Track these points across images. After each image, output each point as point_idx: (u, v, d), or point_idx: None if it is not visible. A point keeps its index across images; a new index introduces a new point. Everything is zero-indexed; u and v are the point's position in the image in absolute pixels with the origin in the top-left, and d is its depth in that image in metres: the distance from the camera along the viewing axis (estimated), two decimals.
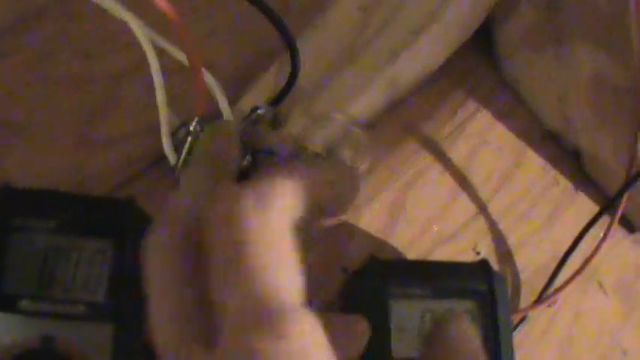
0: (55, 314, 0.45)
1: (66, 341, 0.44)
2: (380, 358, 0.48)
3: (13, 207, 0.46)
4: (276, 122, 0.52)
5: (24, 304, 0.44)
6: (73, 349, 0.44)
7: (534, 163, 0.63)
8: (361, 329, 0.40)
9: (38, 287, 0.45)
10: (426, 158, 0.60)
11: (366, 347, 0.47)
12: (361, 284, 0.51)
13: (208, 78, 0.50)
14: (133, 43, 0.52)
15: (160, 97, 0.49)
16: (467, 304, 0.51)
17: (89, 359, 0.44)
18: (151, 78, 0.50)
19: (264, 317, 0.29)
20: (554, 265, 0.58)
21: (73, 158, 0.53)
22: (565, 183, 0.63)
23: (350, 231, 0.55)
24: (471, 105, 0.63)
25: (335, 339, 0.33)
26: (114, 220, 0.47)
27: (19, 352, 0.44)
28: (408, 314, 0.50)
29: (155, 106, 0.51)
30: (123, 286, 0.45)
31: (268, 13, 0.48)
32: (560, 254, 0.59)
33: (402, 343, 0.49)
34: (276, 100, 0.51)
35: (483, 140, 0.62)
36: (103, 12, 0.53)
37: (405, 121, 0.60)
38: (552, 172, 0.63)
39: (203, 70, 0.47)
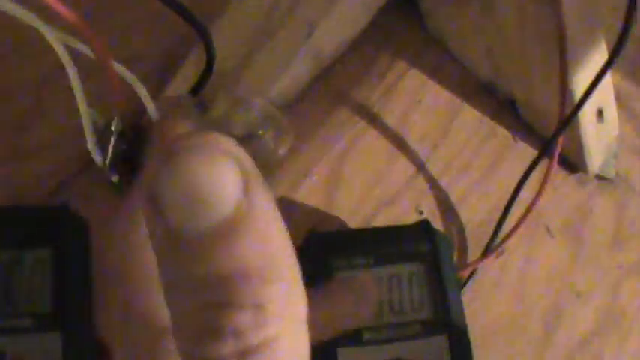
0: (3, 329, 0.44)
1: (17, 355, 0.44)
2: None
3: None
4: (200, 109, 0.51)
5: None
6: None
7: (470, 116, 0.63)
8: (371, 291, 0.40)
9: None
10: (359, 124, 0.60)
11: None
12: (304, 260, 0.51)
13: (125, 72, 0.50)
14: (49, 49, 0.52)
15: (80, 99, 0.48)
16: (412, 267, 0.51)
17: None
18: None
19: None
20: (498, 215, 0.59)
21: (3, 170, 0.52)
22: (503, 133, 0.63)
23: (289, 207, 0.55)
24: (400, 65, 0.62)
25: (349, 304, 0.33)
26: (50, 228, 0.46)
27: None
28: None
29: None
30: (66, 292, 0.45)
31: (171, 3, 0.47)
32: (504, 204, 0.59)
33: None
34: (196, 88, 0.51)
35: (416, 99, 0.62)
36: (13, 19, 0.52)
37: (334, 89, 0.60)
38: (489, 124, 0.63)
39: (116, 65, 0.47)
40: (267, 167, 0.51)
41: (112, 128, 0.47)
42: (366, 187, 0.58)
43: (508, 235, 0.58)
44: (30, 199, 0.52)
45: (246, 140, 0.50)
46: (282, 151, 0.52)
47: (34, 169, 0.53)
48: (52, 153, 0.53)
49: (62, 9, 0.42)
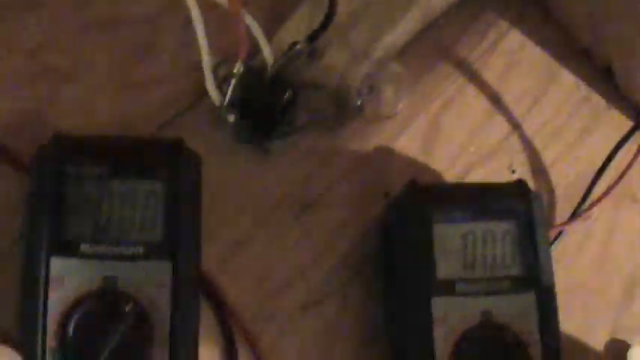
0: (115, 256, 0.47)
1: (127, 281, 0.47)
2: (424, 279, 0.50)
3: (66, 154, 0.48)
4: (314, 57, 0.53)
5: (84, 248, 0.47)
6: (134, 288, 0.47)
7: (567, 80, 0.64)
8: None
9: (96, 231, 0.47)
10: (458, 80, 0.61)
11: (412, 271, 0.49)
12: (404, 209, 0.53)
13: (247, 18, 0.51)
14: None
15: (201, 38, 0.50)
16: (505, 225, 0.52)
17: (150, 296, 0.47)
18: (186, 17, 0.51)
19: None
20: (588, 180, 0.60)
21: (117, 101, 0.54)
22: (598, 100, 0.64)
23: (389, 156, 0.57)
24: (502, 25, 0.63)
25: None
26: (164, 161, 0.49)
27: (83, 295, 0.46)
28: (451, 237, 0.51)
29: (192, 45, 0.52)
30: (178, 223, 0.47)
31: None
32: (594, 170, 0.60)
33: (446, 264, 0.51)
34: (314, 35, 0.53)
35: (515, 60, 0.63)
36: None
37: (438, 44, 0.61)
38: (585, 89, 0.64)
39: (242, 11, 0.48)
40: (387, 118, 0.53)
41: (235, 71, 0.49)
42: (462, 142, 0.59)
43: (596, 201, 0.59)
44: (141, 130, 0.54)
45: (366, 93, 0.52)
46: (401, 104, 0.54)
47: (146, 102, 0.55)
48: (164, 87, 0.56)
49: None
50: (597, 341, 0.58)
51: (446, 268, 0.51)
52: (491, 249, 0.52)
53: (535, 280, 0.51)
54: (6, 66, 0.54)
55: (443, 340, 0.50)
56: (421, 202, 0.52)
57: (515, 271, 0.52)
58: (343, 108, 0.54)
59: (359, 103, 0.54)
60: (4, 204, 0.51)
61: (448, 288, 0.51)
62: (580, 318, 0.58)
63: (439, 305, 0.50)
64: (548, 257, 0.53)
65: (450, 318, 0.50)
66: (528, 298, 0.51)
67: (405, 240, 0.52)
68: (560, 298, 0.53)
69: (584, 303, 0.58)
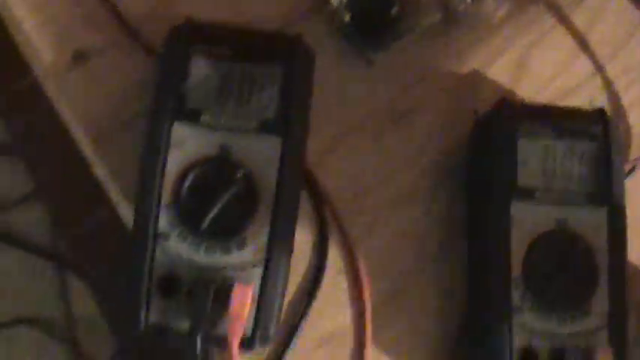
0: (232, 127, 0.52)
1: (240, 151, 0.52)
2: (507, 185, 0.55)
3: (195, 36, 0.54)
4: None
5: (205, 117, 0.52)
6: (246, 158, 0.52)
7: None
8: None
9: (217, 104, 0.53)
10: (549, 21, 0.65)
11: (494, 179, 0.54)
12: (492, 122, 0.58)
13: None
14: None
15: None
16: (585, 146, 0.57)
17: (259, 167, 0.52)
18: None
19: None
20: None
21: (238, 2, 0.60)
22: None
23: (481, 79, 0.62)
24: None
25: None
26: (284, 50, 0.54)
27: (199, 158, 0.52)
28: (533, 151, 0.56)
29: None
30: (290, 105, 0.53)
31: None
32: None
33: (526, 174, 0.55)
34: None
35: (602, 6, 0.67)
36: None
37: None
38: None
39: None
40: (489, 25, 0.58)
41: None
42: (548, 76, 0.63)
43: None
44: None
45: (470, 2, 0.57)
46: (498, 13, 0.58)
47: (266, 4, 0.60)
48: None
49: None
50: None
51: (526, 176, 0.55)
52: (570, 165, 0.56)
53: (608, 198, 0.56)
54: None
55: (519, 240, 0.54)
56: (508, 117, 0.57)
57: (590, 187, 0.56)
58: (449, 13, 0.59)
59: (463, 8, 0.58)
60: (131, 82, 0.57)
61: (527, 194, 0.55)
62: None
63: (518, 209, 0.55)
64: (622, 179, 0.57)
65: (527, 222, 0.54)
66: (600, 213, 0.55)
67: (491, 151, 0.57)
68: (630, 231, 0.57)
69: None
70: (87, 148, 0.58)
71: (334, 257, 0.57)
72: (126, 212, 0.56)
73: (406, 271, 0.57)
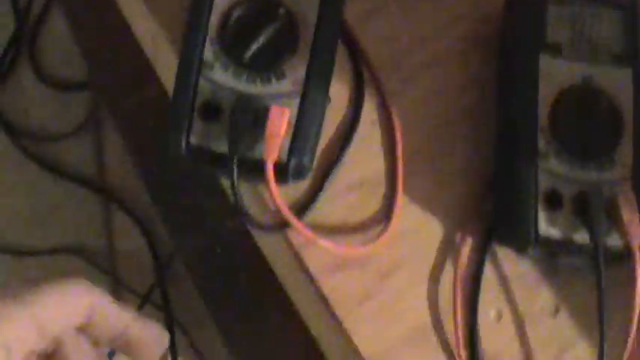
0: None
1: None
2: (536, 39, 0.58)
3: None
4: None
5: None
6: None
7: None
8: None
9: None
10: None
11: (525, 36, 0.56)
12: None
13: None
14: None
15: None
16: (612, 13, 0.59)
17: (300, 7, 0.55)
18: None
19: None
20: None
21: None
22: None
23: None
24: None
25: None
26: None
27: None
28: (563, 13, 0.59)
29: None
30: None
31: None
32: None
33: (555, 32, 0.58)
34: None
35: None
36: None
37: None
38: None
39: None
40: None
41: None
42: None
43: None
44: None
45: None
46: None
47: None
48: None
49: None
50: None
51: (555, 34, 0.58)
52: (598, 28, 0.59)
53: (634, 60, 0.58)
54: None
55: (546, 91, 0.57)
56: None
57: (617, 49, 0.58)
58: None
59: None
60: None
61: (555, 50, 0.58)
62: None
63: (546, 62, 0.57)
64: None
65: (555, 75, 0.57)
66: (626, 73, 0.58)
67: (523, 14, 0.60)
68: None
69: None
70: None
71: (369, 110, 0.59)
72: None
73: (437, 126, 0.60)
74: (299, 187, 0.57)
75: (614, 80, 0.57)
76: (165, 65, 0.63)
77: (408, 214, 0.57)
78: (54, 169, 1.07)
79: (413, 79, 0.60)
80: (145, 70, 0.69)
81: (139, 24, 0.67)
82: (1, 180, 1.08)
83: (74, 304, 0.44)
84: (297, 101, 0.54)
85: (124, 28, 0.69)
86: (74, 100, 1.11)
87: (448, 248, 0.57)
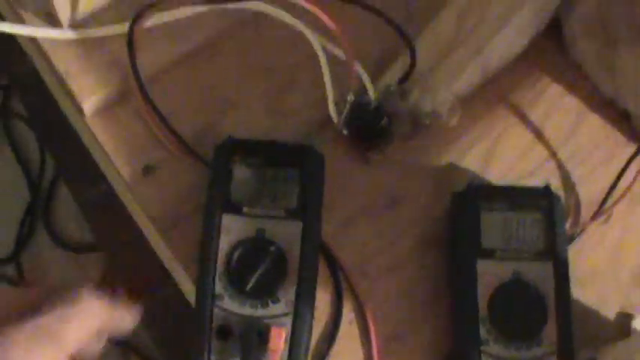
0: (265, 215, 0.72)
1: (272, 232, 0.72)
2: (473, 247, 0.73)
3: (235, 149, 0.74)
4: (403, 94, 0.78)
5: (245, 209, 0.72)
6: (277, 237, 0.71)
7: (595, 122, 0.85)
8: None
9: (254, 199, 0.73)
10: (511, 119, 0.84)
11: (465, 241, 0.72)
12: (462, 201, 0.76)
13: (358, 67, 0.76)
14: (306, 44, 0.79)
15: (326, 77, 0.75)
16: (534, 214, 0.75)
17: (287, 243, 0.71)
18: (319, 67, 0.77)
19: None
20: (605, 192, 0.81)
21: (266, 124, 0.80)
22: (620, 137, 0.85)
23: (457, 168, 0.80)
24: (544, 80, 0.86)
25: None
26: (301, 157, 0.74)
27: (242, 239, 0.71)
28: (494, 220, 0.74)
29: (322, 86, 0.77)
30: (307, 197, 0.72)
31: (392, 23, 0.74)
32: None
33: (489, 237, 0.74)
34: (402, 80, 0.77)
35: (555, 105, 0.85)
36: (285, 25, 0.80)
37: (495, 94, 0.85)
38: (610, 129, 0.85)
39: (355, 62, 0.74)
40: (444, 131, 0.77)
41: (348, 99, 0.74)
42: (511, 163, 0.82)
43: (612, 206, 0.80)
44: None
45: (430, 114, 0.76)
46: (453, 122, 0.77)
47: (287, 125, 0.80)
48: (301, 115, 0.81)
49: (329, 22, 0.69)
50: (609, 314, 0.78)
51: (489, 240, 0.73)
52: (523, 231, 0.74)
53: (553, 255, 0.73)
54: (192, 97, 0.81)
55: (484, 289, 0.72)
56: (474, 196, 0.75)
57: (540, 246, 0.73)
58: (416, 125, 0.78)
59: (427, 122, 0.78)
60: (189, 185, 0.77)
61: (490, 254, 0.73)
62: (595, 297, 0.77)
63: (482, 265, 0.73)
64: (564, 240, 0.74)
65: (490, 274, 0.72)
66: (547, 266, 0.73)
67: (462, 222, 0.75)
68: (580, 280, 0.74)
69: (600, 284, 0.78)
70: (154, 236, 0.78)
71: (347, 310, 0.75)
72: (188, 288, 0.76)
73: (404, 318, 0.75)
74: None
75: (538, 273, 0.72)
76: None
77: None
78: None
79: (381, 281, 0.76)
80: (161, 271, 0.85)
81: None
82: None
83: (90, 327, 0.59)
84: (290, 319, 0.70)
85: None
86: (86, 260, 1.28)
87: None
